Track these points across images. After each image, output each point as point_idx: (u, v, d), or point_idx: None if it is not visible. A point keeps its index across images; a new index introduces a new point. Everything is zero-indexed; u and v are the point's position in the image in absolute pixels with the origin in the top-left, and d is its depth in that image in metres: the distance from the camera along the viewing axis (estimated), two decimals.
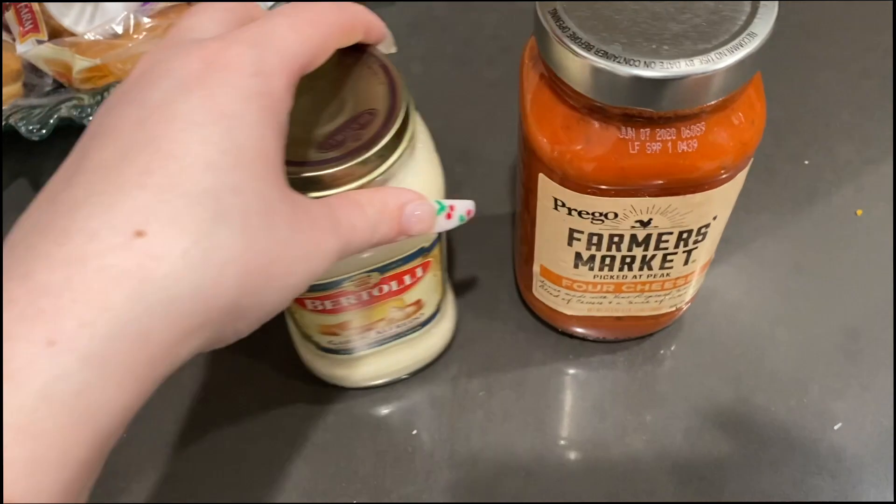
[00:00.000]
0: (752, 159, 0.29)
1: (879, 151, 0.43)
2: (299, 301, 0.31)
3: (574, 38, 0.25)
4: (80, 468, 0.18)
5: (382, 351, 0.36)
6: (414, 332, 0.36)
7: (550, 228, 0.31)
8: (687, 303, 0.36)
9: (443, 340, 0.38)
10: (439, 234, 0.31)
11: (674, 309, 0.35)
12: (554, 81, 0.27)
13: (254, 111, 0.21)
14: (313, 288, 0.30)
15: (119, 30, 0.44)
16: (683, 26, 0.25)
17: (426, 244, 0.30)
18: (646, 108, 0.25)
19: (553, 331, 0.39)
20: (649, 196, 0.28)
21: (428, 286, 0.33)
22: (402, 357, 0.37)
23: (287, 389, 0.38)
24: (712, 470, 0.34)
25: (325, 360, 0.37)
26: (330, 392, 0.38)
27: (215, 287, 0.19)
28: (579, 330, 0.38)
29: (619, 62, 0.24)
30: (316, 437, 0.37)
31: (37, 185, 0.47)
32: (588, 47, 0.24)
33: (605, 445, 0.36)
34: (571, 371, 0.38)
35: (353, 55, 0.28)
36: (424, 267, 0.32)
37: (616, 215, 0.29)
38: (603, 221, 0.29)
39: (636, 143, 0.26)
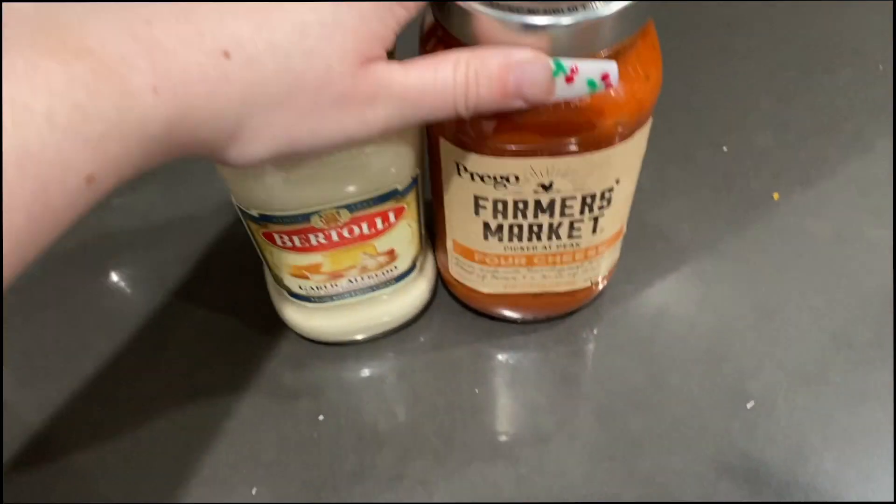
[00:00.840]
0: (650, 120, 0.28)
1: (796, 137, 0.43)
2: (268, 236, 0.30)
3: None
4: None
5: (355, 304, 0.35)
6: (387, 286, 0.35)
7: (457, 198, 0.30)
8: (602, 279, 0.35)
9: (417, 302, 0.37)
10: (415, 181, 0.30)
11: (589, 284, 0.35)
12: (446, 37, 0.26)
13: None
14: (281, 220, 0.29)
15: None
16: None
17: (399, 186, 0.30)
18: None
19: (473, 312, 0.38)
20: (548, 156, 0.27)
21: (401, 236, 0.32)
22: (374, 314, 0.36)
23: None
24: (624, 450, 0.34)
25: (297, 308, 0.36)
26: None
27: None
28: (500, 311, 0.37)
29: (507, 11, 0.23)
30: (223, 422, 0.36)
31: None
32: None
33: (515, 426, 0.35)
34: (486, 353, 0.37)
35: None
36: (397, 213, 0.31)
37: (517, 178, 0.28)
38: (505, 186, 0.29)
39: None
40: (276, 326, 0.38)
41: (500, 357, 0.37)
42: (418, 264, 0.35)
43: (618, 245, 0.34)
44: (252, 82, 0.20)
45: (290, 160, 0.24)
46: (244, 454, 0.35)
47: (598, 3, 0.23)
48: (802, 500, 0.32)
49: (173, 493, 0.34)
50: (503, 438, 0.34)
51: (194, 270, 0.41)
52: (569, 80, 0.23)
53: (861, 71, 0.46)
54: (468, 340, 0.37)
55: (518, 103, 0.24)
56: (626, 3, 0.23)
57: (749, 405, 0.34)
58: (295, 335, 0.38)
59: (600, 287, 0.36)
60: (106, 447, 0.35)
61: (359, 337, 0.37)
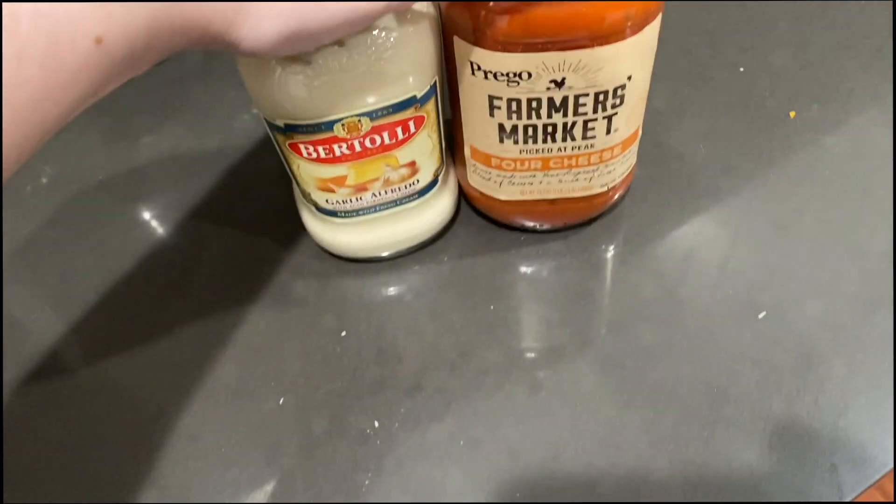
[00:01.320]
0: (659, 16, 0.28)
1: (814, 56, 0.43)
2: (294, 147, 0.31)
3: None
4: None
5: (380, 219, 0.36)
6: (411, 200, 0.36)
7: (472, 100, 0.31)
8: (617, 185, 0.36)
9: (440, 218, 0.38)
10: (433, 88, 0.31)
11: (605, 189, 0.35)
12: None
13: None
14: (305, 129, 0.30)
15: None
16: None
17: (417, 93, 0.31)
18: None
19: (495, 225, 0.39)
20: (559, 50, 0.28)
21: (422, 147, 0.33)
22: (399, 229, 0.37)
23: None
24: (636, 360, 0.34)
25: (325, 224, 0.37)
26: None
27: None
28: (519, 220, 0.38)
29: None
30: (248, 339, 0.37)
31: None
32: None
33: (529, 339, 0.36)
34: (503, 268, 0.38)
35: None
36: (417, 122, 0.32)
37: (530, 75, 0.29)
38: (518, 83, 0.29)
39: None
40: (303, 245, 0.39)
41: (517, 272, 0.38)
42: (440, 178, 0.36)
43: (633, 150, 0.35)
44: None
45: (304, 43, 0.25)
46: (271, 367, 0.36)
47: None
48: (812, 402, 0.32)
49: (205, 402, 0.35)
50: (517, 351, 0.35)
51: (221, 197, 0.42)
52: None
53: None
54: (487, 256, 0.38)
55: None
56: None
57: (761, 315, 0.35)
58: (320, 253, 0.39)
59: (616, 197, 0.37)
60: (138, 363, 0.37)
61: (384, 254, 0.39)
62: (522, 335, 0.36)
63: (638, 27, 0.28)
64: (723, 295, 0.36)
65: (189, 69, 0.49)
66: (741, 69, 0.43)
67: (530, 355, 0.35)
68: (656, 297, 0.36)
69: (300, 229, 0.39)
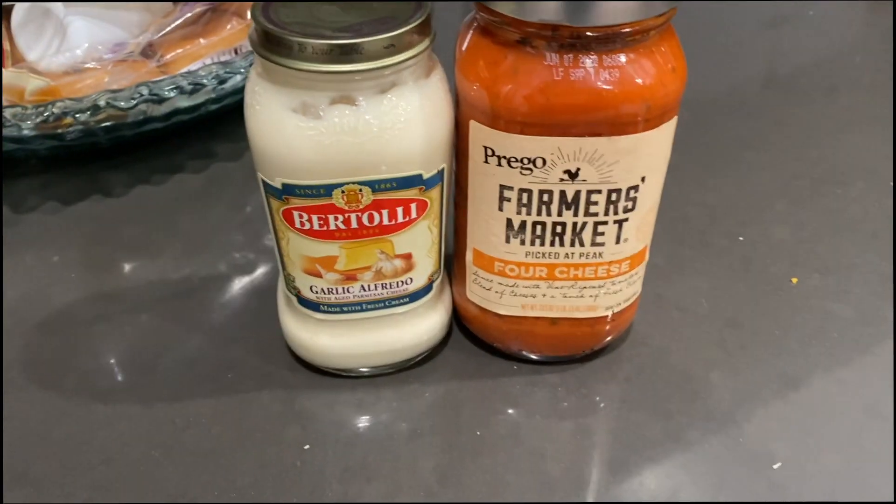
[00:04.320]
0: (675, 119, 0.29)
1: (813, 234, 0.43)
2: (287, 215, 0.30)
3: None
4: None
5: (363, 322, 0.34)
6: (401, 303, 0.34)
7: (481, 191, 0.30)
8: (623, 307, 0.34)
9: (429, 334, 0.35)
10: (440, 175, 0.30)
11: (609, 313, 0.33)
12: (483, 16, 0.28)
13: None
14: (303, 191, 0.29)
15: (80, 54, 0.45)
16: None
17: (424, 172, 0.30)
18: (566, 22, 0.25)
19: (487, 352, 0.36)
20: (576, 136, 0.27)
21: (421, 240, 0.32)
22: (383, 338, 0.35)
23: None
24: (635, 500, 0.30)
25: (304, 323, 0.34)
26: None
27: None
28: (515, 345, 0.35)
29: None
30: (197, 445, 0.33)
31: None
32: None
33: (517, 473, 0.32)
34: (493, 395, 0.35)
35: None
36: (419, 207, 0.30)
37: (544, 162, 0.28)
38: (532, 171, 0.29)
39: (560, 70, 0.27)
40: (277, 356, 0.36)
41: (509, 400, 0.34)
42: (434, 287, 0.34)
43: (640, 273, 0.33)
44: None
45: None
46: (218, 475, 0.31)
47: None
48: None
49: None
50: (503, 482, 0.31)
51: (198, 301, 0.40)
52: None
53: (873, 185, 0.47)
54: (477, 381, 0.35)
55: None
56: None
57: (776, 466, 0.31)
58: (294, 365, 0.36)
59: (615, 334, 0.35)
60: (67, 451, 0.32)
61: (364, 369, 0.35)
62: (510, 465, 0.32)
63: (655, 122, 0.28)
64: (733, 441, 0.32)
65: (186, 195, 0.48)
66: (741, 238, 0.43)
67: (518, 487, 0.31)
68: (661, 438, 0.33)
69: (277, 340, 0.37)
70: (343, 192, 0.29)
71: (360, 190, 0.29)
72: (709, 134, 0.53)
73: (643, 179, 0.29)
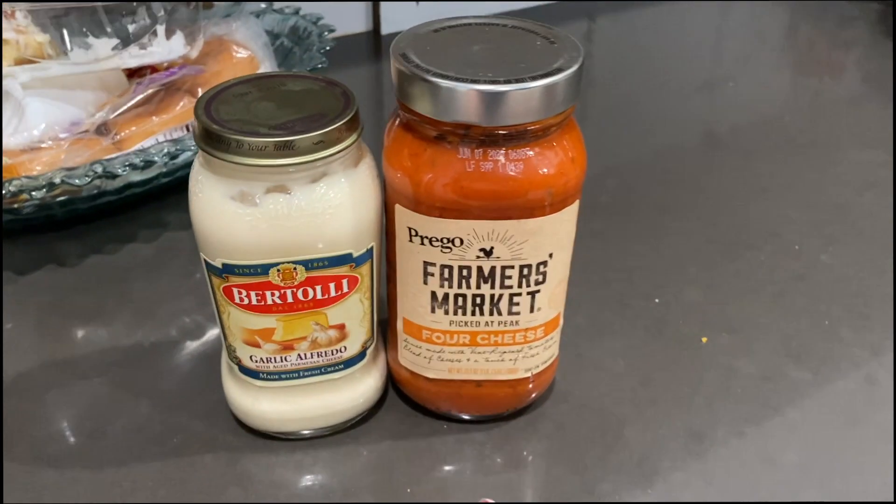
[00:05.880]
0: (577, 202, 0.32)
1: (723, 295, 0.47)
2: (227, 291, 0.32)
3: (418, 67, 0.29)
4: None
5: (302, 388, 0.36)
6: (336, 370, 0.36)
7: (408, 267, 0.33)
8: (541, 368, 0.37)
9: (364, 397, 0.38)
10: (370, 253, 0.33)
11: (529, 374, 0.36)
12: (405, 115, 0.31)
13: None
14: (243, 271, 0.32)
15: (37, 134, 0.48)
16: (505, 63, 0.30)
17: (354, 251, 0.32)
18: (477, 122, 0.29)
19: (420, 413, 0.39)
20: (489, 219, 0.31)
21: (353, 311, 0.34)
22: (321, 403, 0.37)
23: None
24: None
25: (246, 390, 0.37)
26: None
27: None
28: (445, 406, 0.38)
29: (456, 80, 0.29)
30: None
31: None
32: (430, 73, 0.29)
33: None
34: (424, 454, 0.37)
35: (320, 82, 0.33)
36: (351, 283, 0.33)
37: (462, 241, 0.32)
38: (451, 249, 0.32)
39: (471, 162, 0.30)
40: (220, 420, 0.38)
41: (438, 458, 0.37)
42: (368, 353, 0.37)
43: (555, 338, 0.37)
44: None
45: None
46: None
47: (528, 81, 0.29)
48: None
49: None
50: None
51: (147, 363, 0.42)
52: None
53: (780, 248, 0.51)
54: (409, 441, 0.38)
55: None
56: (552, 80, 0.29)
57: None
58: (236, 429, 0.38)
59: (536, 393, 0.38)
60: None
61: (304, 432, 0.38)
62: None
63: (558, 206, 0.32)
64: (642, 492, 0.35)
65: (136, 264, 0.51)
66: (657, 300, 0.47)
67: None
68: (577, 492, 0.35)
69: (221, 404, 0.39)
70: (279, 270, 0.32)
71: (295, 268, 0.32)
72: (630, 200, 0.57)
73: (551, 255, 0.33)
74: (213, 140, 0.30)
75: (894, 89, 0.74)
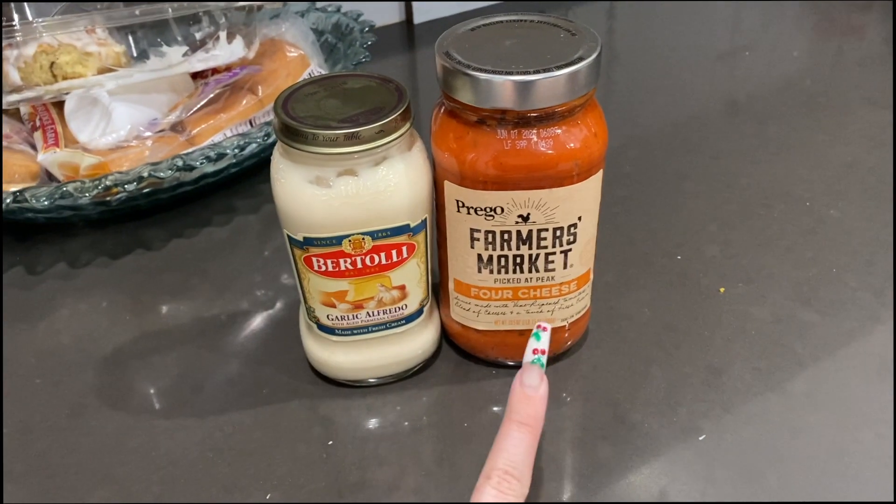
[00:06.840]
0: (602, 169, 0.38)
1: (739, 250, 0.52)
2: (307, 260, 0.39)
3: (460, 63, 0.35)
4: None
5: (370, 341, 0.43)
6: (398, 325, 0.42)
7: (456, 234, 0.39)
8: (575, 318, 0.42)
9: (423, 348, 0.44)
10: (424, 223, 0.39)
11: (565, 324, 0.42)
12: (449, 104, 0.37)
13: None
14: (320, 243, 0.38)
15: (123, 135, 0.54)
16: (533, 55, 0.35)
17: (411, 222, 0.38)
18: (511, 108, 0.34)
19: (472, 361, 0.45)
20: (525, 189, 0.36)
21: (412, 274, 0.40)
22: (386, 354, 0.43)
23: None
24: (592, 469, 0.39)
25: (323, 344, 0.43)
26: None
27: None
28: (492, 354, 0.44)
29: (493, 73, 0.34)
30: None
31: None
32: (470, 67, 0.34)
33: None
34: (477, 394, 0.43)
35: (375, 79, 0.39)
36: (409, 249, 0.39)
37: (502, 209, 0.37)
38: (493, 217, 0.37)
39: (508, 142, 0.36)
40: (301, 373, 0.45)
41: (490, 399, 0.43)
42: (425, 310, 0.43)
43: (587, 291, 0.42)
44: None
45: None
46: (261, 469, 0.40)
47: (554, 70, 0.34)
48: None
49: (198, 495, 0.38)
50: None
51: (230, 330, 0.48)
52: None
53: (792, 206, 0.56)
54: (464, 385, 0.44)
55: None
56: (574, 68, 0.34)
57: (701, 437, 0.40)
58: (315, 379, 0.45)
59: (572, 340, 0.44)
60: (138, 458, 0.40)
61: (371, 379, 0.44)
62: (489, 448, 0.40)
63: (584, 175, 0.37)
64: (668, 420, 0.41)
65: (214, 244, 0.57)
66: (678, 257, 0.52)
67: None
68: (610, 421, 0.41)
69: (300, 360, 0.45)
70: (350, 241, 0.38)
71: (363, 238, 0.38)
72: (653, 167, 0.62)
73: (580, 218, 0.38)
74: (291, 134, 0.36)
75: None
